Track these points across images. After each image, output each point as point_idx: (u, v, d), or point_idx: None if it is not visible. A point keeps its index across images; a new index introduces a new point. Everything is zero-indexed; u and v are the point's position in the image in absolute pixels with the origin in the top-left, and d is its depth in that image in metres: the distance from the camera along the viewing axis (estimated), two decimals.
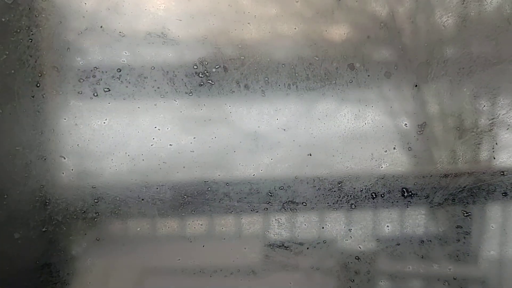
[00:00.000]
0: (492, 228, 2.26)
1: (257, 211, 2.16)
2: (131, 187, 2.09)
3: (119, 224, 2.11)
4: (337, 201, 2.11)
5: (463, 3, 6.91)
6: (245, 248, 1.99)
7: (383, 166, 2.61)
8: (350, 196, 2.16)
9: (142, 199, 2.08)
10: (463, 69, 4.06)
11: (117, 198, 2.09)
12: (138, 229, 2.11)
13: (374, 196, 2.15)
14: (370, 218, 2.23)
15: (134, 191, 2.10)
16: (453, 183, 2.16)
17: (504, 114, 2.72)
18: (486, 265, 2.16)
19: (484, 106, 2.80)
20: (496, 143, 2.53)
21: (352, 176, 2.15)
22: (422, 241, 2.24)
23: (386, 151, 2.74)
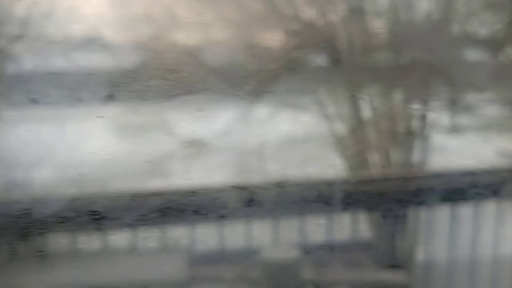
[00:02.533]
0: None
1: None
2: (59, 199, 2.03)
3: (41, 239, 2.05)
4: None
5: (394, 10, 7.10)
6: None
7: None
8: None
9: (73, 211, 2.03)
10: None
11: (44, 211, 2.02)
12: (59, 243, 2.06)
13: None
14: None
15: (61, 203, 2.04)
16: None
17: None
18: None
19: None
20: None
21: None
22: None
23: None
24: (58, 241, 2.03)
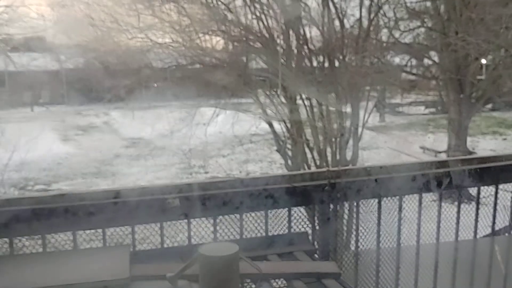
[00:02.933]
0: None
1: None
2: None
3: None
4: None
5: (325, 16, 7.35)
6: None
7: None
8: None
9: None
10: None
11: None
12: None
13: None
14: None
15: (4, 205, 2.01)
16: None
17: None
18: None
19: None
20: None
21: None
22: None
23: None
24: None
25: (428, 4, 10.01)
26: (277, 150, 8.83)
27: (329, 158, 7.45)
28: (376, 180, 2.22)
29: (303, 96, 7.20)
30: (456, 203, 2.51)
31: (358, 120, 7.73)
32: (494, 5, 7.96)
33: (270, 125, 8.11)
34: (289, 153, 8.17)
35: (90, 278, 1.74)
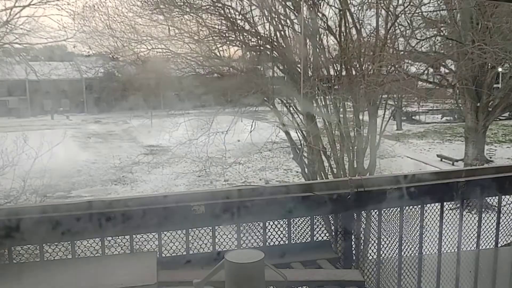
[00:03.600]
0: None
1: None
2: (25, 209, 2.05)
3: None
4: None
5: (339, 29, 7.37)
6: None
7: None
8: None
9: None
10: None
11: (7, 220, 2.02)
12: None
13: None
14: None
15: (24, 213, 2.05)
16: None
17: None
18: None
19: None
20: None
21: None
22: None
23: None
24: (24, 250, 2.06)
25: (444, 13, 9.97)
26: (294, 158, 8.83)
27: (346, 166, 7.44)
28: (397, 189, 2.24)
29: (320, 104, 7.22)
30: (473, 211, 2.51)
31: (376, 129, 7.71)
32: (511, 14, 7.92)
33: (287, 133, 8.13)
34: (305, 161, 8.17)
35: (118, 284, 1.77)
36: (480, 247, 2.40)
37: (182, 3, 7.23)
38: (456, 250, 2.37)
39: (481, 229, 2.38)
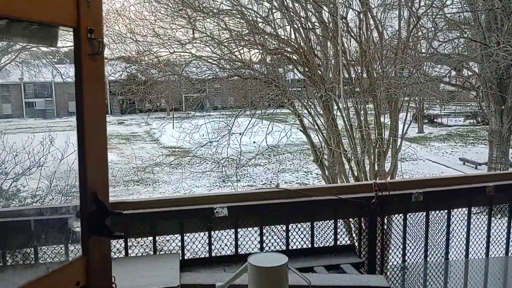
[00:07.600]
0: None
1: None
2: (47, 209, 2.07)
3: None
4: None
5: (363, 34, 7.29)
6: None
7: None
8: None
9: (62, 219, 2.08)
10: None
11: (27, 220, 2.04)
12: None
13: None
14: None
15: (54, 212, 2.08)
16: None
17: None
18: None
19: None
20: None
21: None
22: None
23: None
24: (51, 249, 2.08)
25: (468, 14, 9.81)
26: (314, 161, 8.77)
27: (367, 169, 7.37)
28: (423, 193, 2.20)
29: (341, 107, 7.17)
30: (498, 216, 2.45)
31: (397, 131, 7.62)
32: None
33: (307, 135, 8.10)
34: (325, 163, 8.12)
35: (141, 285, 1.77)
36: (510, 253, 2.35)
37: (203, 7, 7.28)
38: (484, 257, 2.32)
39: (511, 235, 2.33)
